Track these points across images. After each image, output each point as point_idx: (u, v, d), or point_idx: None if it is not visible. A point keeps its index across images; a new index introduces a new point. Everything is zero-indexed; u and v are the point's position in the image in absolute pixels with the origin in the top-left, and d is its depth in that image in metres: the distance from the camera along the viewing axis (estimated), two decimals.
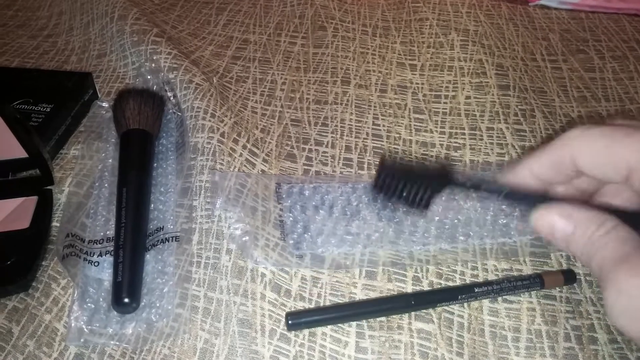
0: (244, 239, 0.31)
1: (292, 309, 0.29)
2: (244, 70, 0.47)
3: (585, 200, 0.26)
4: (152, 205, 0.34)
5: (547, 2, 0.55)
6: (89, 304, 0.29)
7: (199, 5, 0.57)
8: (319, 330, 0.28)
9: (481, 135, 0.40)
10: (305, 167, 0.38)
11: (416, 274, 0.31)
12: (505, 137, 0.40)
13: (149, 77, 0.42)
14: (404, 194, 0.27)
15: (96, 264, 0.31)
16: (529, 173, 0.26)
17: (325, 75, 0.46)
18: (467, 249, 0.32)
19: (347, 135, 0.40)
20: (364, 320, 0.29)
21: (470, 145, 0.40)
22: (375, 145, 0.40)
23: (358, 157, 0.39)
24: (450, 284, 0.31)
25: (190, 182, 0.35)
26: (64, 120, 0.39)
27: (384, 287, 0.31)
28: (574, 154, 0.24)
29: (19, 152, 0.35)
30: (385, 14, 0.55)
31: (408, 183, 0.27)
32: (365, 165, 0.38)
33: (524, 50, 0.49)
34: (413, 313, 0.29)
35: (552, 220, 0.24)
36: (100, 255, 0.32)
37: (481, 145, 0.39)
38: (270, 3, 0.57)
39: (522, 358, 0.27)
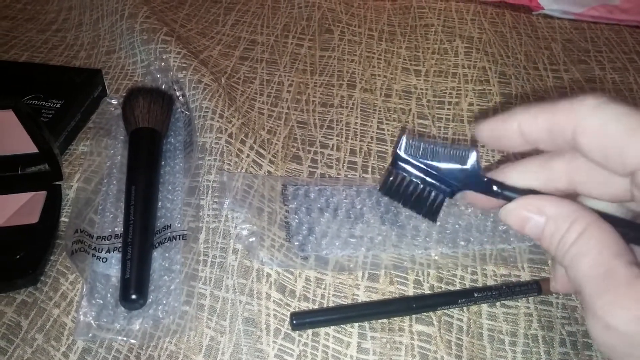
0: (250, 239, 0.32)
1: (297, 309, 0.30)
2: (251, 71, 0.48)
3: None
4: (160, 203, 0.35)
5: (550, 11, 0.56)
6: (97, 300, 0.30)
7: (207, 4, 0.57)
8: (322, 330, 0.29)
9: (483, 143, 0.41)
10: (311, 170, 0.39)
11: (417, 278, 0.32)
12: None
13: (158, 75, 0.43)
14: (413, 199, 0.26)
15: (104, 260, 0.32)
16: (516, 127, 0.22)
17: (332, 78, 0.47)
18: (468, 254, 0.33)
19: (352, 139, 0.41)
20: (366, 322, 0.30)
21: None
22: (379, 149, 0.40)
23: (362, 161, 0.39)
24: (451, 287, 0.32)
25: (198, 182, 0.36)
26: (74, 117, 0.40)
27: (385, 289, 0.31)
28: (580, 127, 0.20)
29: (29, 147, 0.35)
30: (391, 18, 0.55)
31: (421, 184, 0.25)
32: (370, 169, 0.39)
33: (527, 58, 0.50)
34: (414, 316, 0.30)
35: (522, 215, 0.22)
36: (108, 251, 0.32)
37: (482, 152, 0.40)
38: (278, 4, 0.57)
39: None
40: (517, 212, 0.23)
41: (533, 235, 0.23)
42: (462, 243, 0.33)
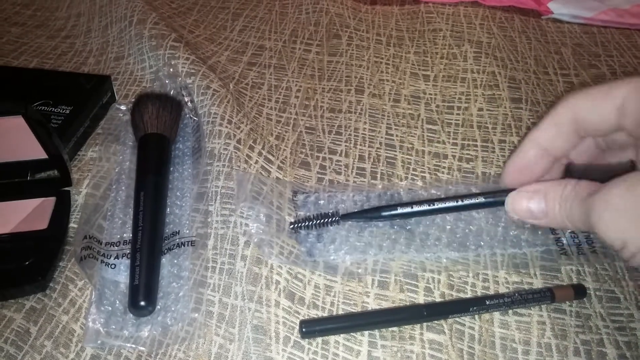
0: (262, 237, 0.32)
1: (306, 317, 0.30)
2: (260, 77, 0.48)
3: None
4: (168, 209, 0.35)
5: (560, 16, 0.55)
6: (106, 306, 0.30)
7: (215, 10, 0.58)
8: (332, 338, 0.29)
9: (493, 148, 0.41)
10: (319, 176, 0.38)
11: (428, 285, 0.31)
12: None
13: (166, 81, 0.43)
14: None
15: (113, 266, 0.32)
16: (536, 146, 0.28)
17: (340, 83, 0.47)
18: (479, 261, 0.33)
19: (360, 145, 0.41)
20: (376, 330, 0.29)
21: (482, 157, 0.40)
22: (388, 155, 0.40)
23: (371, 167, 0.39)
24: (462, 295, 0.31)
25: (206, 188, 0.36)
26: (83, 122, 0.40)
27: (396, 297, 0.31)
28: (574, 109, 0.26)
29: (39, 153, 0.35)
30: (399, 23, 0.55)
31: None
32: (379, 175, 0.38)
33: (537, 63, 0.49)
34: (425, 324, 0.29)
35: (525, 204, 0.27)
36: (117, 257, 0.32)
37: (493, 158, 0.40)
38: (286, 10, 0.57)
39: None
40: (520, 203, 0.28)
41: (541, 220, 0.27)
42: (472, 247, 0.33)
